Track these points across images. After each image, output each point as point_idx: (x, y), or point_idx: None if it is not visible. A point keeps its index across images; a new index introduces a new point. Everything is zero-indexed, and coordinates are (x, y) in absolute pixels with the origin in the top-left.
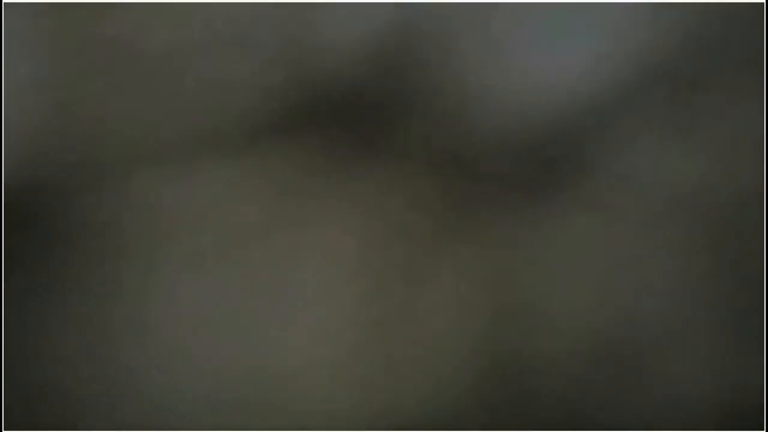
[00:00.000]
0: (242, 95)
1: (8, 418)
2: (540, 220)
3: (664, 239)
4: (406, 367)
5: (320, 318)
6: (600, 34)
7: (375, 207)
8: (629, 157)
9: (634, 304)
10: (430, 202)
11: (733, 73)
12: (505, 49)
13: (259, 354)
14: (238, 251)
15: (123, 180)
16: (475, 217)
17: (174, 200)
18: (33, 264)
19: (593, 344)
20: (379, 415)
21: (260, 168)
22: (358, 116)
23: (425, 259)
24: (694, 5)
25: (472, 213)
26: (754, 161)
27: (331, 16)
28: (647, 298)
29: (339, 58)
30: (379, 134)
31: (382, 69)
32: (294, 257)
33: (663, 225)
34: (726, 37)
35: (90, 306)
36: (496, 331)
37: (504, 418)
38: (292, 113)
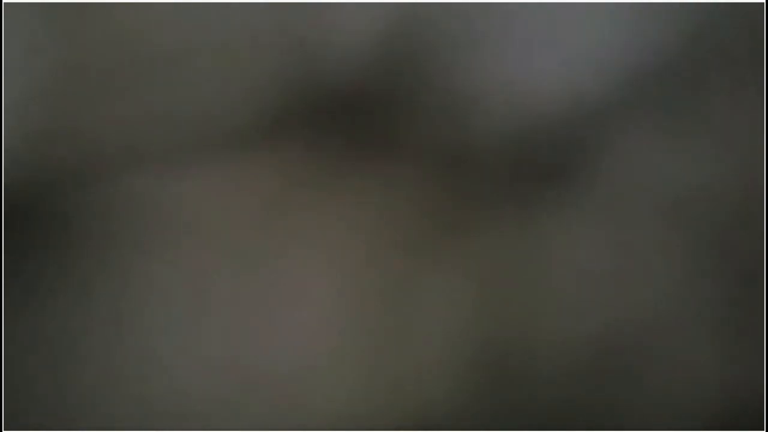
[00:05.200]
0: (243, 95)
1: (8, 417)
2: (540, 219)
3: (665, 240)
4: (406, 366)
5: (319, 316)
6: (601, 34)
7: (375, 206)
8: (630, 157)
9: (635, 304)
10: (430, 201)
11: (733, 73)
12: (505, 50)
13: (258, 353)
14: (239, 250)
15: (123, 179)
16: (475, 217)
17: (175, 199)
18: (32, 264)
19: (593, 344)
20: (378, 414)
21: (261, 167)
22: (359, 116)
23: (425, 257)
24: (694, 5)
25: (472, 212)
26: (754, 161)
27: (333, 16)
28: (648, 299)
29: (341, 58)
30: (379, 134)
31: (384, 69)
32: (293, 256)
33: (663, 225)
34: (726, 37)
35: (88, 304)
36: (497, 330)
37: (503, 418)
38: (292, 113)
